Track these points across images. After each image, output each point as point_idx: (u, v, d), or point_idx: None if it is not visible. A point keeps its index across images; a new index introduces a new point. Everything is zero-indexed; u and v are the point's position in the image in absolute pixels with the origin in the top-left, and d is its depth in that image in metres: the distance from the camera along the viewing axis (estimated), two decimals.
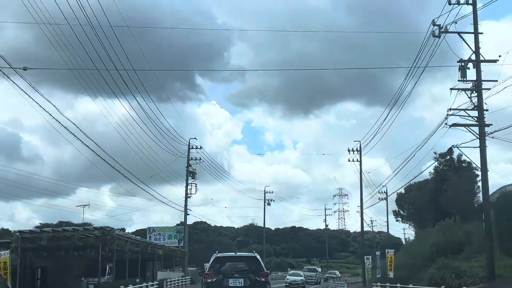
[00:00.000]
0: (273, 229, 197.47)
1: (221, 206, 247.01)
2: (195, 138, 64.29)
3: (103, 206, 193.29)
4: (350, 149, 62.89)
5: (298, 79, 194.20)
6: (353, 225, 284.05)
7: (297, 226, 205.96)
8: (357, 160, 63.09)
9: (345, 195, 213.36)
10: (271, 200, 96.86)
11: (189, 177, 62.71)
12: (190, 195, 62.98)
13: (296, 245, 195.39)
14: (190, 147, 63.42)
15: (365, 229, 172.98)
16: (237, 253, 26.72)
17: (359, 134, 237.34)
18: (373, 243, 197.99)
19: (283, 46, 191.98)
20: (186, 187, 62.84)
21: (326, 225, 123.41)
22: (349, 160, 63.33)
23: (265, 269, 21.67)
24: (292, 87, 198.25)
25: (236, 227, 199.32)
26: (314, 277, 79.59)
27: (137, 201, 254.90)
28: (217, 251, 22.72)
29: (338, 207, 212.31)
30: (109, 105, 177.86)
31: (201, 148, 63.78)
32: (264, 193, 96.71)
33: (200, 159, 63.70)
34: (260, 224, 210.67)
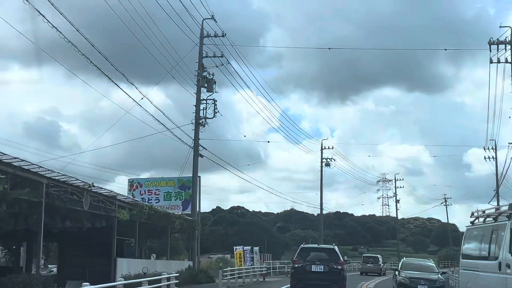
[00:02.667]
0: (315, 214, 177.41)
1: (258, 192, 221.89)
2: (212, 17, 33.61)
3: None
4: (493, 41, 31.58)
5: (335, 64, 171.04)
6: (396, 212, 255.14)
7: (341, 212, 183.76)
8: (506, 61, 31.83)
9: (389, 180, 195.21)
10: (330, 159, 64.97)
11: (203, 88, 32.49)
12: (203, 120, 32.72)
13: (341, 231, 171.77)
14: (205, 34, 32.98)
15: (414, 214, 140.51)
16: (319, 245, 29.51)
17: (398, 121, 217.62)
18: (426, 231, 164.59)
19: (320, 31, 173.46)
20: (198, 103, 32.52)
21: (397, 200, 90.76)
22: (491, 62, 32.09)
23: (341, 259, 23.97)
24: (329, 73, 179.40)
25: (275, 213, 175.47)
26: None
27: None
28: (303, 243, 26.86)
29: (382, 193, 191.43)
30: (144, 92, 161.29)
31: (223, 36, 33.15)
32: (321, 149, 65.14)
33: (221, 56, 33.17)
34: (301, 209, 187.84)
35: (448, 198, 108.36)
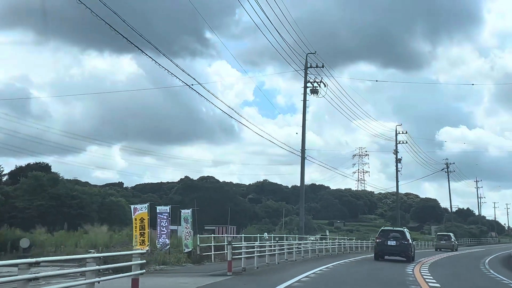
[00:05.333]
0: (289, 186, 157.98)
1: (232, 166, 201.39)
2: None
3: (114, 164, 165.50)
4: None
5: (311, 37, 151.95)
6: (373, 187, 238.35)
7: (317, 184, 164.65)
8: None
9: (366, 155, 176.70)
10: (319, 82, 40.14)
11: None
12: None
13: (316, 205, 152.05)
14: None
15: (390, 190, 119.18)
16: (394, 227, 36.97)
17: (374, 97, 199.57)
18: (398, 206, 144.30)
19: (297, 3, 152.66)
20: None
21: (399, 159, 66.31)
22: None
23: (408, 238, 32.51)
24: (304, 46, 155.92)
25: (247, 184, 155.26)
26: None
27: (148, 160, 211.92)
28: (383, 226, 42.54)
29: (358, 167, 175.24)
30: (116, 61, 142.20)
31: None
32: (306, 66, 40.80)
33: None
34: (275, 180, 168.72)
35: (451, 164, 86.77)
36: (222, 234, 68.68)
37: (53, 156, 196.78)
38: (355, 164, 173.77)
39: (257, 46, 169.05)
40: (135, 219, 20.30)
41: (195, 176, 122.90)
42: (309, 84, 39.32)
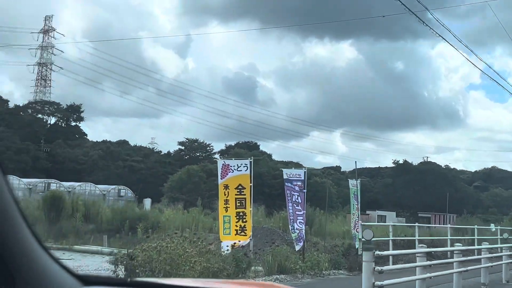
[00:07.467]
0: None
1: (456, 153, 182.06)
2: None
3: (335, 149, 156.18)
4: None
5: None
6: None
7: None
8: None
9: None
10: None
11: None
12: None
13: None
14: None
15: None
16: None
17: None
18: None
19: None
20: None
21: None
22: None
23: None
24: None
25: (472, 171, 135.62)
26: None
27: (368, 145, 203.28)
28: None
29: None
30: (336, 47, 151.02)
31: None
32: None
33: None
34: (504, 167, 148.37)
35: None
36: (438, 224, 55.71)
37: (278, 141, 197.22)
38: None
39: (485, 25, 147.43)
40: (225, 187, 10.38)
41: (415, 162, 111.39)
42: None
